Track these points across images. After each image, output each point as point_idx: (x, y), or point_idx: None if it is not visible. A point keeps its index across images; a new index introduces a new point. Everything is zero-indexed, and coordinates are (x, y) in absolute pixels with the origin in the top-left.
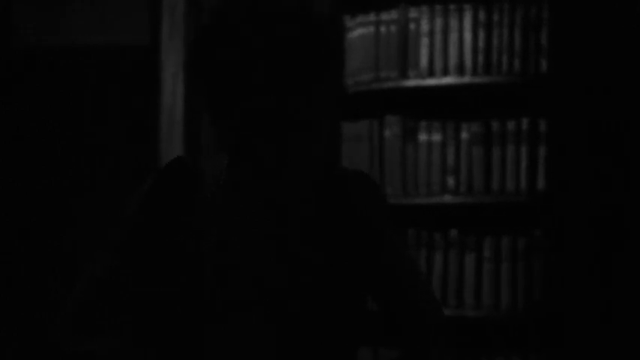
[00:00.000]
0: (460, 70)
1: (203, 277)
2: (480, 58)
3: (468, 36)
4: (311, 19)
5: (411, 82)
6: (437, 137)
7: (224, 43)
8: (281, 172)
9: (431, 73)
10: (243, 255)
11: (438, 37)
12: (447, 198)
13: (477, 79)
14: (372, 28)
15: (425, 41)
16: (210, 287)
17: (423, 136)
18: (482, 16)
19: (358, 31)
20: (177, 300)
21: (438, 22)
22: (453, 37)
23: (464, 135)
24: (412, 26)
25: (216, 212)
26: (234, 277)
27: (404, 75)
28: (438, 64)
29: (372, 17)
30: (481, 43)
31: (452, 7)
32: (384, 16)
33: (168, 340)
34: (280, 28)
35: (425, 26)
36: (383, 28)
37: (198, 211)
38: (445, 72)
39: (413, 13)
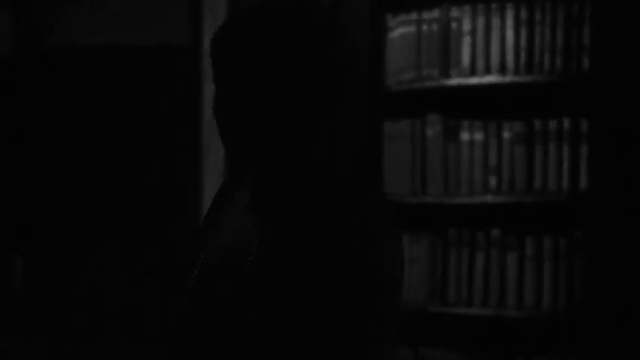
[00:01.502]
0: (502, 69)
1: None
2: (522, 57)
3: (509, 34)
4: (311, 19)
5: (453, 81)
6: (479, 136)
7: (239, 39)
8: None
9: (473, 72)
10: (242, 254)
11: (480, 36)
12: (489, 197)
13: (519, 78)
14: (413, 27)
15: (467, 40)
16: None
17: (464, 136)
18: (524, 14)
19: (400, 30)
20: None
21: (480, 21)
22: (495, 35)
23: (506, 134)
24: (454, 25)
25: (217, 214)
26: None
27: (446, 74)
28: (480, 63)
29: (413, 16)
30: (523, 42)
31: (494, 5)
32: (426, 15)
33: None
34: (282, 27)
35: (467, 25)
36: (425, 27)
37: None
38: (487, 71)
39: (455, 12)
